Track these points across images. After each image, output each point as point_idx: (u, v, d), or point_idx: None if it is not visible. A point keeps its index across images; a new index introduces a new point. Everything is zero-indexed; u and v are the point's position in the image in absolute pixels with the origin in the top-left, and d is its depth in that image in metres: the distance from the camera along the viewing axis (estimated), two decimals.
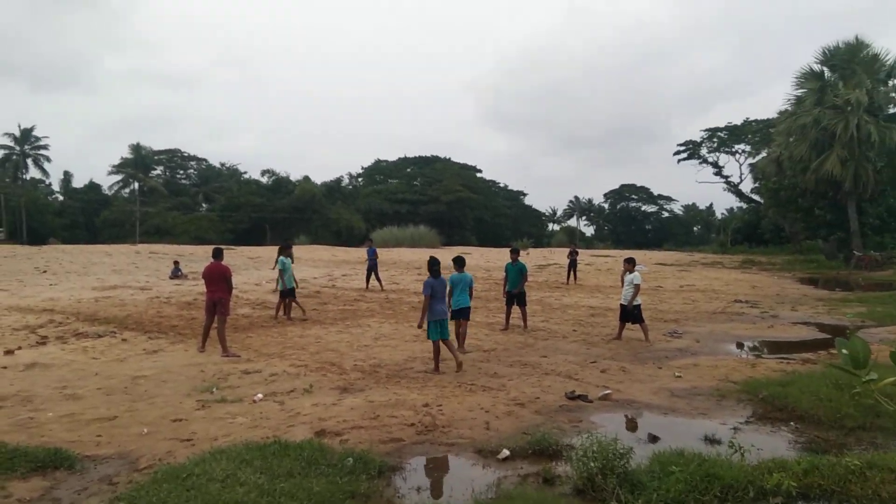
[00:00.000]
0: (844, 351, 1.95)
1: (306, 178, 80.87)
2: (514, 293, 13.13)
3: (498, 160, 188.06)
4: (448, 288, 9.91)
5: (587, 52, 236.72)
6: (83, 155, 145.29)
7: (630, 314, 11.74)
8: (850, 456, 4.94)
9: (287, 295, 14.17)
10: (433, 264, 9.36)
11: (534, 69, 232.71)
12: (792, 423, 6.65)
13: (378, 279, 21.73)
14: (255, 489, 4.45)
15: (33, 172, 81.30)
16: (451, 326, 10.00)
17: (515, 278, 13.13)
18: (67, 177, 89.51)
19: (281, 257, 14.43)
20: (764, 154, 56.64)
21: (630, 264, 12.03)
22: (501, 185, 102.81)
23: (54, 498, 4.70)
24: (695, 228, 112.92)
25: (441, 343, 9.19)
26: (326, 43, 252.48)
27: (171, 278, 24.02)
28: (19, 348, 10.36)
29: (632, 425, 6.65)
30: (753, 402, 7.43)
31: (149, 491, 4.48)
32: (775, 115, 47.36)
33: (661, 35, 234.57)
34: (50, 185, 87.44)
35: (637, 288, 11.66)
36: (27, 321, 13.00)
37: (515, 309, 13.24)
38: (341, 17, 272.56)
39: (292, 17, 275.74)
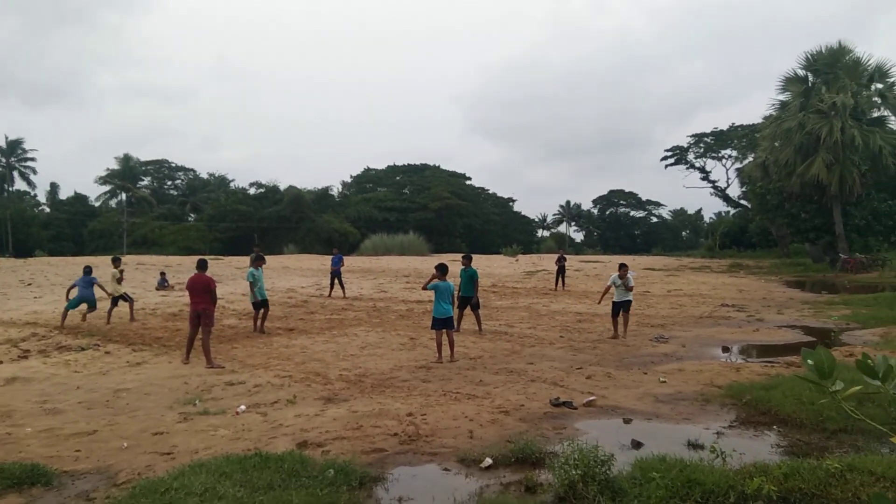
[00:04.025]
0: (810, 361, 1.97)
1: (292, 187, 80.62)
2: (465, 297, 13.55)
3: (488, 169, 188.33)
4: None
5: (571, 64, 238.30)
6: (74, 168, 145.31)
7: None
8: (830, 459, 4.94)
9: (260, 306, 13.88)
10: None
11: (519, 82, 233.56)
12: (775, 426, 6.67)
13: (342, 286, 21.78)
14: (233, 502, 4.41)
15: (19, 185, 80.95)
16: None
17: (466, 283, 13.56)
18: (54, 188, 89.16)
19: (251, 269, 14.11)
20: (750, 159, 57.18)
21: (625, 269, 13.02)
22: (490, 192, 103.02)
23: None
24: (683, 233, 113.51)
25: None
26: (317, 58, 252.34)
27: (157, 289, 23.86)
28: (0, 363, 10.24)
29: (615, 431, 6.64)
30: (737, 407, 7.46)
31: None
32: (760, 121, 47.83)
33: (641, 48, 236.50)
34: (36, 196, 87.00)
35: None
36: (9, 335, 12.86)
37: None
38: (331, 36, 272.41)
39: (283, 32, 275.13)
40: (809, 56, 38.20)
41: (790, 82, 39.33)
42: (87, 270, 15.58)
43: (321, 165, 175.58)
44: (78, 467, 5.62)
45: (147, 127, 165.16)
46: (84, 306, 14.93)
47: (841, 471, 4.71)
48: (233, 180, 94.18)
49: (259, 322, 13.80)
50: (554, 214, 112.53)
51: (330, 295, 21.57)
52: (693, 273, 36.44)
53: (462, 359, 10.55)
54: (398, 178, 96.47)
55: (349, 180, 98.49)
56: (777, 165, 39.76)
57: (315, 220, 74.73)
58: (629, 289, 12.75)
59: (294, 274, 33.07)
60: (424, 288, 11.05)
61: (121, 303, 15.46)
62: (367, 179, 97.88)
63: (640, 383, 8.77)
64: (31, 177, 79.46)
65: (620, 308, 12.82)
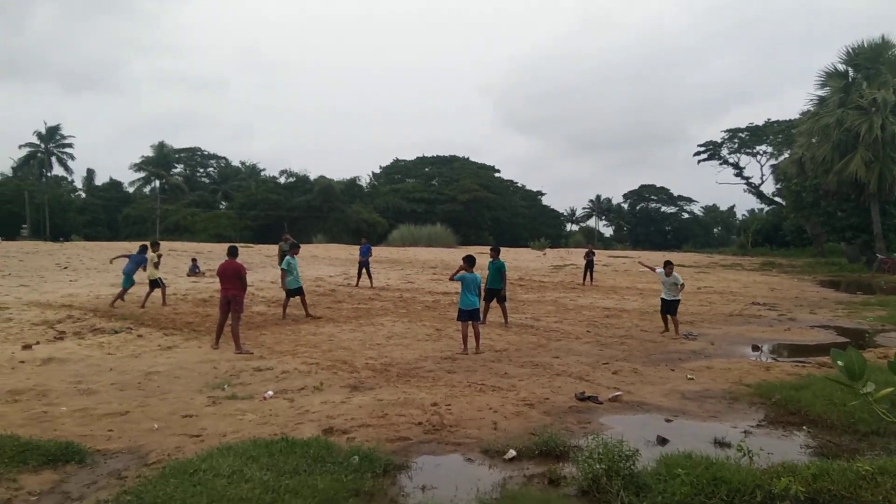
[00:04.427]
0: (840, 363, 1.94)
1: (322, 177, 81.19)
2: (492, 290, 13.47)
3: (516, 162, 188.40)
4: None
5: (603, 56, 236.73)
6: (109, 154, 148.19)
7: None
8: (861, 461, 4.85)
9: (295, 294, 14.24)
10: None
11: (549, 73, 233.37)
12: (804, 427, 6.57)
13: (369, 276, 21.84)
14: (259, 485, 4.48)
15: (57, 170, 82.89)
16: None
17: (494, 275, 13.48)
18: (90, 174, 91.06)
19: (287, 256, 14.51)
20: (786, 155, 56.05)
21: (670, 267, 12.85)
22: (519, 185, 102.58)
23: (63, 491, 4.76)
24: (715, 230, 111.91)
25: None
26: (347, 49, 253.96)
27: (188, 275, 24.25)
28: (37, 343, 10.53)
29: (641, 427, 6.59)
30: (766, 406, 7.35)
31: (156, 486, 4.52)
32: (797, 116, 46.82)
33: (675, 41, 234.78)
34: (73, 182, 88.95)
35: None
36: (46, 316, 13.20)
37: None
38: (360, 26, 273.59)
39: (314, 22, 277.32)
40: (850, 50, 37.25)
41: (830, 77, 38.40)
42: (143, 249, 16.27)
43: (350, 155, 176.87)
44: (110, 446, 5.76)
45: (180, 115, 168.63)
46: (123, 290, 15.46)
47: (872, 473, 4.62)
48: (263, 170, 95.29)
49: (303, 308, 14.31)
50: (583, 208, 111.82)
51: (357, 284, 21.69)
52: (724, 270, 35.91)
53: (487, 351, 10.56)
54: (427, 169, 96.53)
55: (378, 171, 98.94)
56: (814, 162, 38.87)
57: (344, 210, 75.18)
58: (678, 287, 12.58)
59: (322, 263, 33.34)
60: (452, 279, 11.08)
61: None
62: (396, 170, 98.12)
63: (667, 380, 8.69)
64: (69, 162, 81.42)
65: (668, 307, 12.70)
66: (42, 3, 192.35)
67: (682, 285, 12.74)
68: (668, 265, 12.74)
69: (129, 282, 15.68)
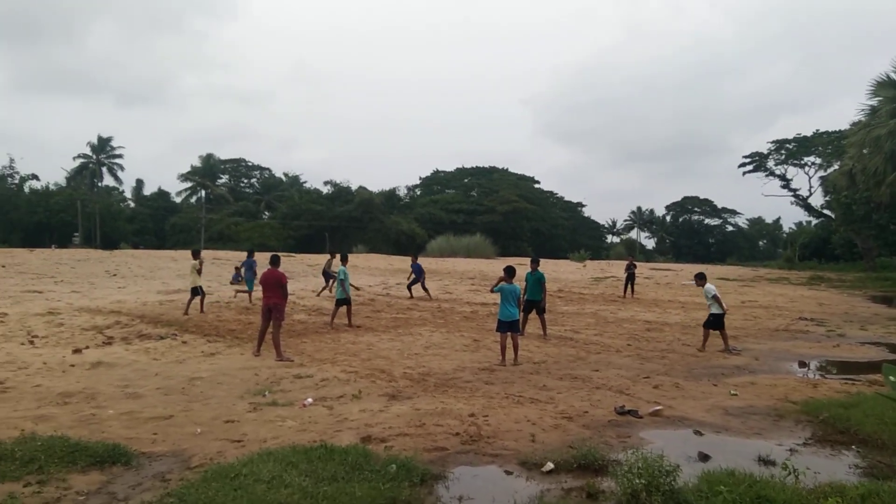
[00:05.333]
0: (892, 378, 1.86)
1: (363, 188, 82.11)
2: (532, 301, 13.42)
3: (557, 173, 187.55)
4: None
5: (647, 68, 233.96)
6: (158, 166, 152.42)
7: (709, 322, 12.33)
8: None
9: (343, 303, 14.42)
10: None
11: (593, 85, 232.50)
12: (853, 446, 6.36)
13: (409, 287, 21.86)
14: (298, 491, 4.54)
15: (108, 180, 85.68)
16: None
17: (533, 287, 13.47)
18: (139, 185, 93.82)
19: (341, 267, 14.76)
20: (835, 167, 54.52)
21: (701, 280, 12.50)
22: (559, 196, 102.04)
23: (110, 492, 4.90)
24: (760, 243, 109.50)
25: None
26: (390, 61, 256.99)
27: (231, 283, 24.66)
28: (87, 347, 10.87)
29: (682, 443, 6.46)
30: (813, 424, 7.14)
31: (198, 489, 4.62)
32: (847, 127, 45.57)
33: (721, 51, 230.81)
34: (123, 192, 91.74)
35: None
36: (96, 322, 13.60)
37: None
38: (405, 37, 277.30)
39: (359, 35, 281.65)
40: None
41: (881, 87, 37.16)
42: (251, 253, 18.63)
43: (392, 164, 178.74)
44: (155, 449, 5.90)
45: (228, 127, 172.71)
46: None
47: None
48: (305, 181, 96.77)
49: (348, 318, 14.53)
50: (624, 220, 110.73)
51: (431, 298, 21.30)
52: (770, 284, 35.06)
53: (526, 363, 10.50)
54: (466, 180, 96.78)
55: (418, 182, 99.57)
56: (865, 174, 37.62)
57: (383, 220, 75.83)
58: (711, 298, 12.08)
59: (362, 273, 33.60)
60: (491, 290, 11.09)
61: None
62: (435, 181, 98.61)
63: (709, 395, 8.52)
64: (119, 173, 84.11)
65: (713, 322, 12.20)
66: (98, 21, 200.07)
67: (715, 296, 12.11)
68: (698, 277, 12.53)
69: (251, 285, 17.79)
